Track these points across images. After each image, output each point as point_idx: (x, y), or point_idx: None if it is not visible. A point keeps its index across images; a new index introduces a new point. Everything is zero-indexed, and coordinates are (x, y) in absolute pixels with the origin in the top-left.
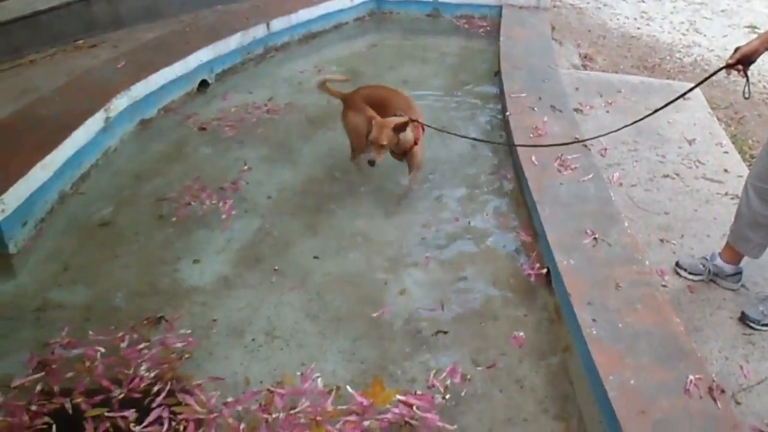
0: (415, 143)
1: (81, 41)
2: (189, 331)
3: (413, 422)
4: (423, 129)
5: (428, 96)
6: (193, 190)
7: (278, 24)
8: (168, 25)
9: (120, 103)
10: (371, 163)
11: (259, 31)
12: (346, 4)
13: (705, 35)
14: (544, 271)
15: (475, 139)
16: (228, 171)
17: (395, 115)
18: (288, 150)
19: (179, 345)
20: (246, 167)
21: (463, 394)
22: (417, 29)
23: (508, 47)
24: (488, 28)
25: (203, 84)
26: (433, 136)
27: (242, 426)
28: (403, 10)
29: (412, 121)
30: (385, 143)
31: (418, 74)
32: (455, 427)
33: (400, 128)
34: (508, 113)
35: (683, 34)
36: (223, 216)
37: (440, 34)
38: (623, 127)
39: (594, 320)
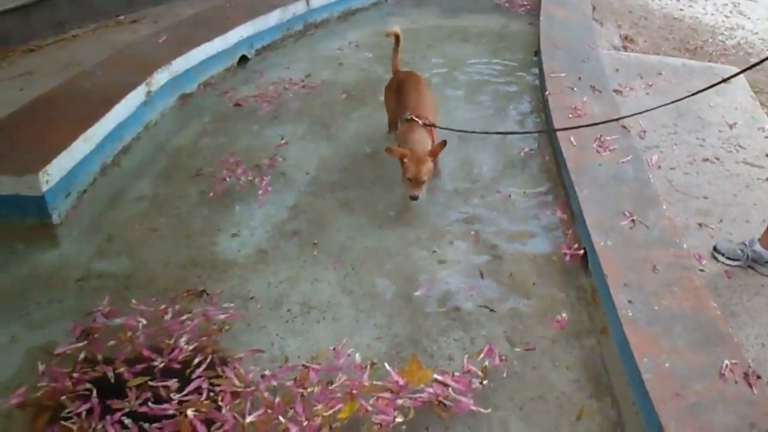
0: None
1: (122, 17)
2: (231, 305)
3: (447, 403)
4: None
5: (467, 75)
6: (229, 164)
7: (317, 0)
8: (207, 1)
9: (161, 77)
10: (414, 198)
11: (298, 7)
12: None
13: (749, 18)
14: (581, 252)
15: (501, 133)
16: (265, 146)
17: (405, 119)
18: (325, 126)
19: (221, 317)
20: (283, 142)
21: (499, 375)
22: (457, 7)
23: (548, 27)
24: (529, 7)
25: (243, 59)
26: (472, 114)
27: (277, 400)
28: None
29: (428, 125)
30: (426, 179)
31: (457, 53)
32: (489, 410)
33: (435, 153)
34: (547, 93)
35: (726, 17)
36: (260, 192)
37: (480, 13)
38: (661, 106)
39: (630, 302)
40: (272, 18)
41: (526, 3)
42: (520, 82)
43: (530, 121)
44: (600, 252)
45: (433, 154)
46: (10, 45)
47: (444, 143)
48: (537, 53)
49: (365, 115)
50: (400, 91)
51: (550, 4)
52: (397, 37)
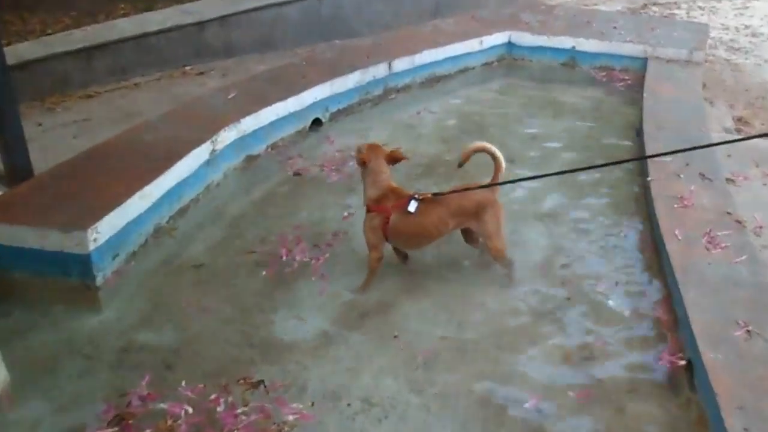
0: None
1: (189, 67)
2: (299, 405)
3: None
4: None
5: (557, 153)
6: (288, 241)
7: (400, 64)
8: (281, 58)
9: (228, 135)
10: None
11: (379, 70)
12: (475, 47)
13: None
14: (685, 362)
15: (578, 170)
16: (331, 219)
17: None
18: None
19: (290, 417)
20: (346, 215)
21: None
22: (550, 78)
23: (652, 104)
24: (630, 81)
25: (316, 122)
26: (561, 190)
27: None
28: (536, 57)
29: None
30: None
31: (548, 128)
32: None
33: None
34: (649, 179)
35: None
36: (321, 272)
37: (575, 86)
38: None
39: (746, 430)
40: (351, 80)
41: (627, 77)
42: (619, 166)
43: (628, 214)
44: (709, 366)
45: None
46: (68, 89)
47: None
48: (639, 133)
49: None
50: None
51: (655, 79)
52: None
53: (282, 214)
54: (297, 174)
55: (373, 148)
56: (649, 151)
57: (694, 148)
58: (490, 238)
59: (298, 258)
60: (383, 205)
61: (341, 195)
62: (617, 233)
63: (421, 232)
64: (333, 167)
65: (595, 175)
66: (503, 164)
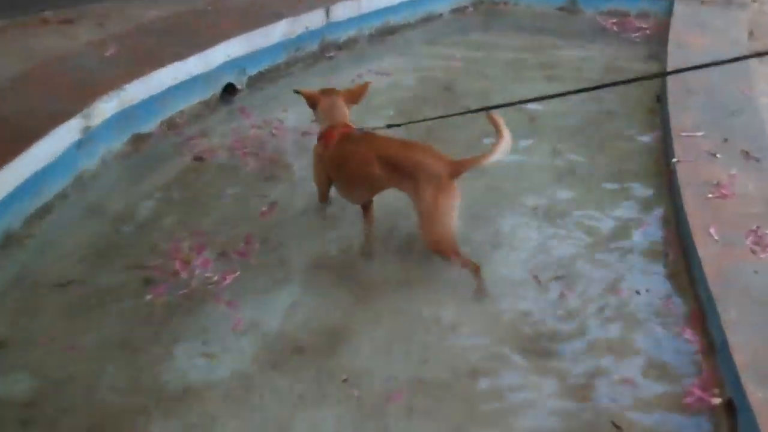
0: None
1: (49, 13)
2: None
3: None
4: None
5: (552, 130)
6: (185, 252)
7: (342, 11)
8: (181, 1)
9: (106, 107)
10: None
11: (314, 19)
12: None
13: None
14: (722, 400)
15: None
16: (241, 220)
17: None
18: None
19: None
20: (265, 208)
21: None
22: (543, 29)
23: (679, 60)
24: (649, 31)
25: (228, 89)
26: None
27: None
28: (522, 0)
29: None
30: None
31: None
32: None
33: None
34: (674, 160)
35: None
36: (233, 292)
37: (577, 38)
38: None
39: None
40: (276, 32)
41: (645, 25)
42: (633, 143)
43: (646, 201)
44: (757, 408)
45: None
46: None
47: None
48: (660, 100)
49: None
50: None
51: (683, 26)
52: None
53: (179, 213)
54: (198, 159)
55: (327, 90)
56: (674, 125)
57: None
58: (422, 218)
59: (198, 273)
60: (328, 132)
61: (259, 186)
62: (633, 232)
63: (348, 173)
64: (249, 150)
65: (604, 155)
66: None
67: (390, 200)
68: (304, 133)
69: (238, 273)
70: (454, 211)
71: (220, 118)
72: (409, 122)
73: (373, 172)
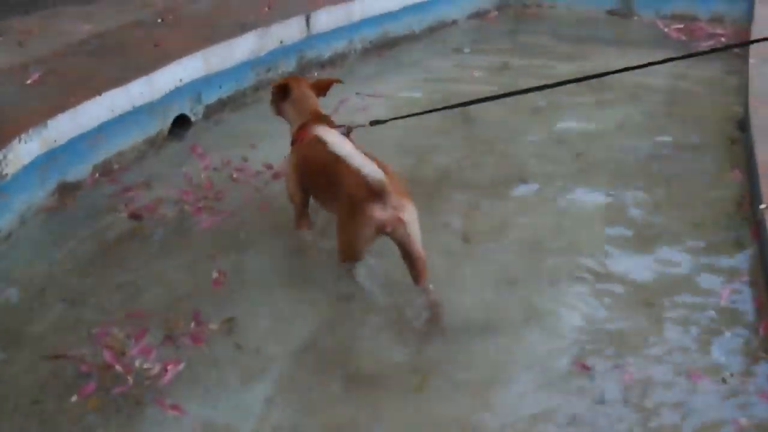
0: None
1: None
2: None
3: None
4: None
5: (602, 166)
6: (118, 338)
7: (327, 19)
8: (120, 11)
9: (26, 149)
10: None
11: (291, 30)
12: None
13: None
14: None
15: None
16: (188, 294)
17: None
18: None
19: None
20: (216, 275)
21: None
22: (588, 39)
23: (764, 79)
24: (724, 39)
25: (180, 123)
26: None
27: None
28: (562, 1)
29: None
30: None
31: (588, 128)
32: None
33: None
34: (763, 206)
35: None
36: (178, 394)
37: (633, 49)
38: None
39: None
40: (241, 48)
41: (721, 32)
42: (708, 184)
43: (726, 259)
44: None
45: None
46: None
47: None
48: (743, 128)
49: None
50: None
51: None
52: None
53: (113, 287)
54: (135, 217)
55: (294, 78)
56: (761, 158)
57: None
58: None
59: (138, 366)
60: (304, 130)
61: (214, 249)
62: (710, 301)
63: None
64: (202, 203)
65: (669, 204)
66: None
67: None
68: (276, 175)
69: (187, 364)
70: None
71: (167, 161)
72: (395, 118)
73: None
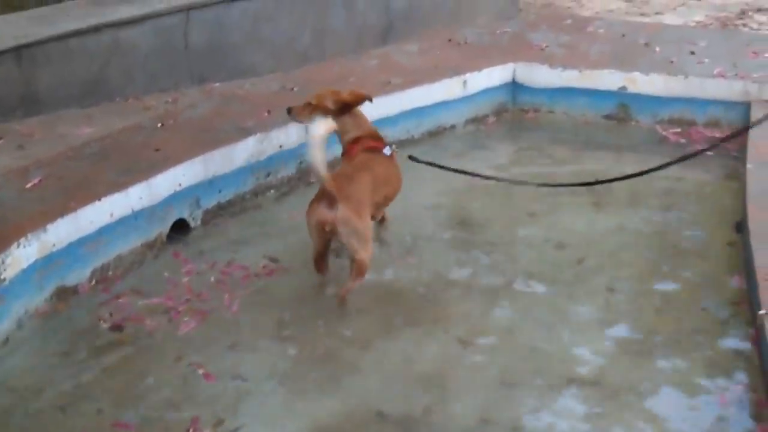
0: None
1: None
2: None
3: None
4: None
5: (601, 272)
6: None
7: (326, 124)
8: (120, 115)
9: (25, 254)
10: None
11: (289, 134)
12: (455, 92)
13: None
14: None
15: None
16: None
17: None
18: (322, 361)
19: None
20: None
21: None
22: (586, 143)
23: (762, 183)
24: (723, 138)
25: (179, 227)
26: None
27: None
28: (561, 106)
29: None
30: (314, 102)
31: (587, 234)
32: None
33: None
34: (762, 312)
35: None
36: None
37: (630, 153)
38: None
39: None
40: (240, 153)
41: (717, 136)
42: (706, 289)
43: (727, 369)
44: None
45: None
46: None
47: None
48: (740, 229)
49: (408, 339)
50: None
51: (763, 139)
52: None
53: (105, 393)
54: (116, 328)
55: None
56: (760, 262)
57: None
58: None
59: None
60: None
61: (194, 357)
62: (709, 414)
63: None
64: (186, 306)
65: (668, 311)
66: None
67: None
68: (270, 272)
69: None
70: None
71: (163, 266)
72: (431, 164)
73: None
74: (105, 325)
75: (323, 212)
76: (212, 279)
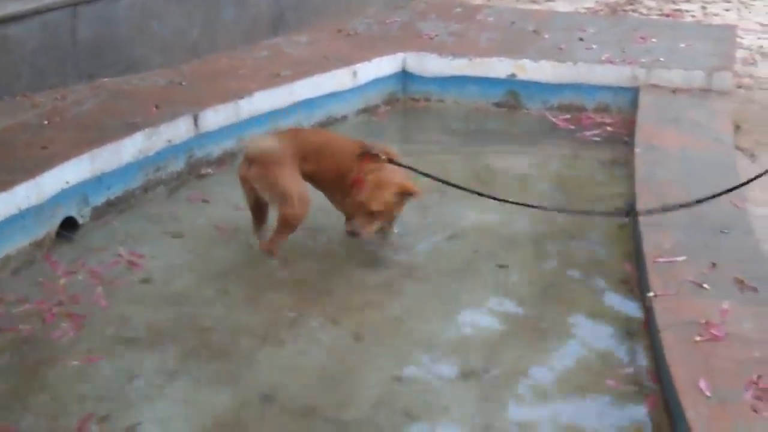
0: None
1: None
2: None
3: None
4: None
5: (495, 260)
6: None
7: (214, 117)
8: (7, 111)
9: None
10: (352, 233)
11: (178, 129)
12: (345, 82)
13: None
14: None
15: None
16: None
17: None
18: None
19: None
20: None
21: None
22: (475, 132)
23: (650, 167)
24: (611, 128)
25: (68, 225)
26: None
27: None
28: (451, 94)
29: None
30: (376, 209)
31: (478, 224)
32: None
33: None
34: (650, 294)
35: None
36: None
37: (521, 141)
38: None
39: None
40: (128, 148)
41: (606, 121)
42: (598, 275)
43: (615, 351)
44: None
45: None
46: None
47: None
48: (630, 214)
49: (303, 334)
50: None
51: (653, 121)
52: None
53: None
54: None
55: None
56: (648, 245)
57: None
58: None
59: None
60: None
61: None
62: (596, 391)
63: None
64: (61, 309)
65: (557, 297)
66: None
67: None
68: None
69: None
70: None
71: (54, 265)
72: (411, 168)
73: None
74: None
75: (243, 169)
76: (89, 277)
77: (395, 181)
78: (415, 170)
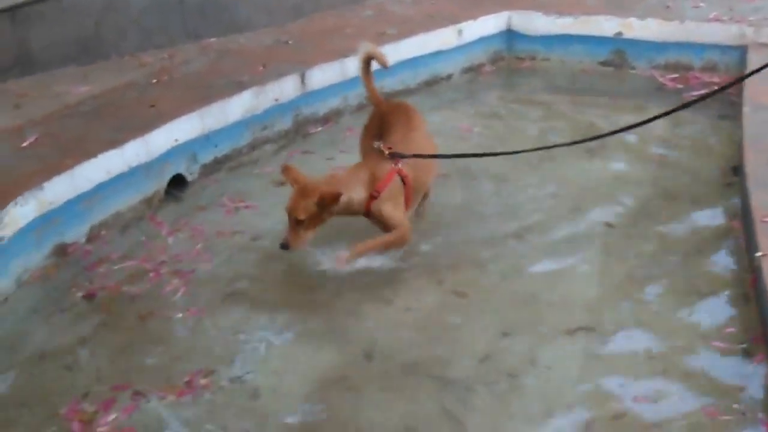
0: (373, 197)
1: None
2: None
3: None
4: (405, 179)
5: (602, 226)
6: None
7: (321, 76)
8: (115, 72)
9: (21, 213)
10: (282, 246)
11: (285, 87)
12: (450, 41)
13: None
14: None
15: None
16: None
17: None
18: (325, 317)
19: None
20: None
21: None
22: (582, 89)
23: (758, 126)
24: (718, 87)
25: (177, 183)
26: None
27: None
28: (557, 54)
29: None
30: (302, 218)
31: (582, 178)
32: None
33: (325, 198)
34: (758, 254)
35: None
36: None
37: (627, 100)
38: None
39: None
40: (236, 107)
41: (713, 80)
42: (703, 233)
43: (721, 313)
44: None
45: (324, 198)
46: None
47: (336, 196)
48: (737, 172)
49: (405, 296)
50: (383, 129)
51: (760, 82)
52: (367, 60)
53: (107, 353)
54: (89, 296)
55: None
56: (755, 205)
57: None
58: None
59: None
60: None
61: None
62: (703, 356)
63: None
64: (176, 272)
65: (661, 257)
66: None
67: None
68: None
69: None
70: None
71: (159, 224)
72: (415, 155)
73: None
74: (79, 293)
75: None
76: (195, 235)
77: (317, 188)
78: (422, 156)
